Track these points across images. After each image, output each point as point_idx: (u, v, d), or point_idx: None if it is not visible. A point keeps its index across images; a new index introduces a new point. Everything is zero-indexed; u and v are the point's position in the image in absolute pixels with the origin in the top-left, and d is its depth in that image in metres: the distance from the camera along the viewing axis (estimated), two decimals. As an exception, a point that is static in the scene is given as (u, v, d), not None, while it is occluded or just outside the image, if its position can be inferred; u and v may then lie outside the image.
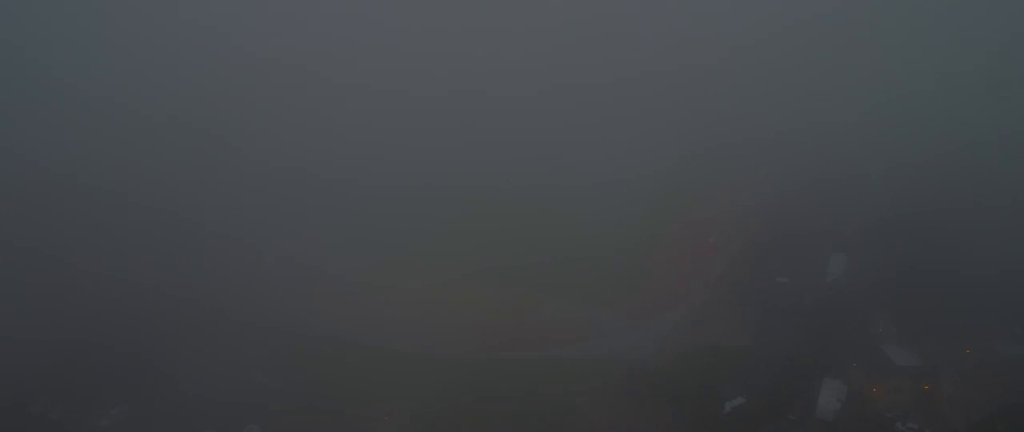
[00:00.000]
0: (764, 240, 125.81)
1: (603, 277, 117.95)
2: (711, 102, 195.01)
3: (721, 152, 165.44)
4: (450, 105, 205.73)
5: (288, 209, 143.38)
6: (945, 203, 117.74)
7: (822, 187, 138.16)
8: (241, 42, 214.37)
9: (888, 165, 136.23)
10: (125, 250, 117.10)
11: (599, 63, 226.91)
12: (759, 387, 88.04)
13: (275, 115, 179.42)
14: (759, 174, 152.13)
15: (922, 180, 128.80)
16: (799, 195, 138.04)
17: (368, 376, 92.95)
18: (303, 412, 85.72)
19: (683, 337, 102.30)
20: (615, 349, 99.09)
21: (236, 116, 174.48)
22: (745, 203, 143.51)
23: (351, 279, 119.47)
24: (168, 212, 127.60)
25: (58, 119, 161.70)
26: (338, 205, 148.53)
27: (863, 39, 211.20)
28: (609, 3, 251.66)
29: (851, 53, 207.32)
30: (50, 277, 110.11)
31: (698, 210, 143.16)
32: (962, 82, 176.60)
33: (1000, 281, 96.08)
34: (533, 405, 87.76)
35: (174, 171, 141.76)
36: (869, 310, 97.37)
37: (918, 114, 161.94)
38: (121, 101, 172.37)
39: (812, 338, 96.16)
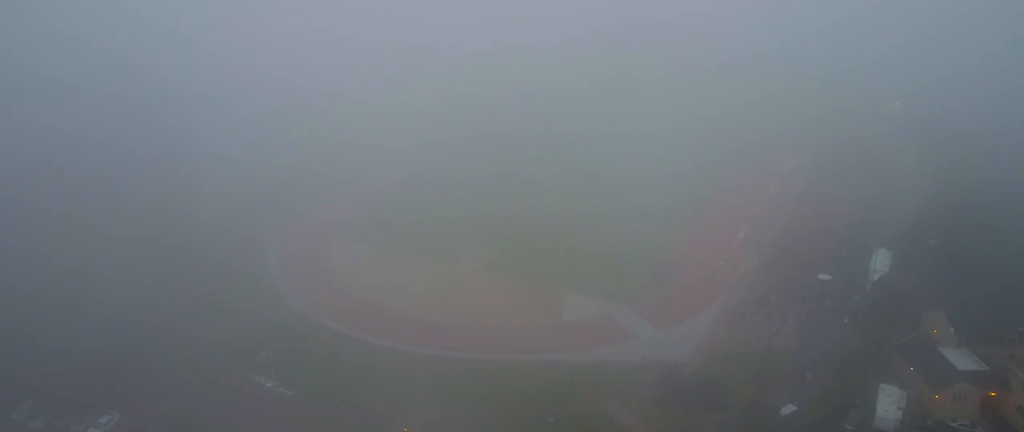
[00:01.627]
0: (798, 235, 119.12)
1: (629, 274, 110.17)
2: (743, 94, 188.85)
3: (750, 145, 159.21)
4: (471, 96, 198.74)
5: (294, 200, 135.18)
6: (1003, 193, 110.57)
7: (860, 177, 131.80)
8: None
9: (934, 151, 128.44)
10: (116, 248, 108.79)
11: (631, 57, 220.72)
12: (810, 394, 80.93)
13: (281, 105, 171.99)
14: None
15: (976, 168, 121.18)
16: (833, 186, 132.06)
17: (383, 381, 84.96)
18: (314, 421, 77.98)
19: (719, 339, 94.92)
20: (646, 351, 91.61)
21: (237, 105, 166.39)
22: (776, 196, 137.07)
23: (360, 274, 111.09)
24: (163, 206, 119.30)
25: (43, 114, 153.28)
26: (348, 196, 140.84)
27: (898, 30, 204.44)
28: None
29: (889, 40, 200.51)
30: (33, 276, 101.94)
31: (727, 204, 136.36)
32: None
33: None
34: (561, 411, 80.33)
35: (169, 162, 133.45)
36: (922, 310, 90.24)
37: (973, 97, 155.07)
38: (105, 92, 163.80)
39: (863, 340, 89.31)
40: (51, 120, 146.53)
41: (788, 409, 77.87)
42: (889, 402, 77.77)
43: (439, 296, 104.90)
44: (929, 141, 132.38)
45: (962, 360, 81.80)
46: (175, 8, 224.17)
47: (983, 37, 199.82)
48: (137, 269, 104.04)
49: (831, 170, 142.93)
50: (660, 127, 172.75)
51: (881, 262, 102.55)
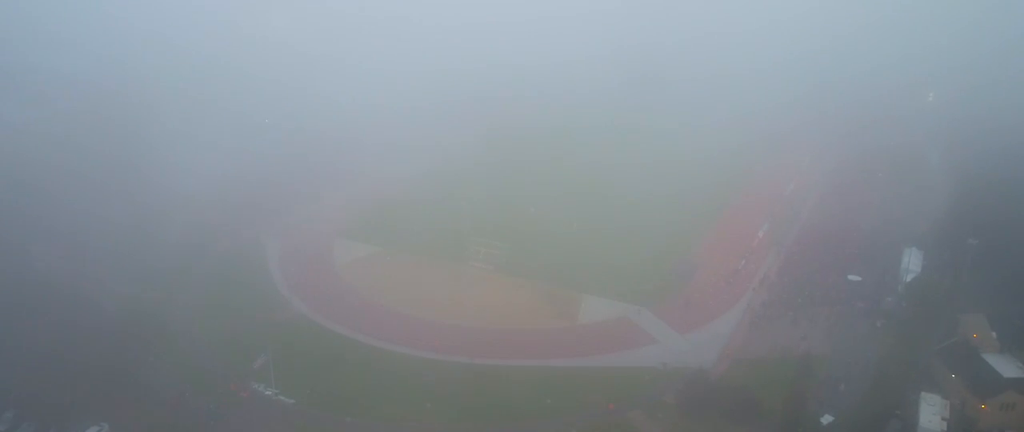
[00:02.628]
0: (823, 233, 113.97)
1: (646, 274, 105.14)
2: (763, 84, 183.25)
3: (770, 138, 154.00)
4: (482, 89, 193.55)
5: (296, 196, 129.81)
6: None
7: (888, 172, 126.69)
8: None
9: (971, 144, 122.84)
10: (107, 248, 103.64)
11: (649, 50, 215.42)
12: (847, 402, 75.83)
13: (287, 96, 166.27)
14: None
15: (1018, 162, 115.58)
16: (859, 181, 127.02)
17: (390, 388, 79.94)
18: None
19: (744, 343, 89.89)
20: (667, 356, 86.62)
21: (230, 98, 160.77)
22: (797, 192, 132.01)
23: (365, 275, 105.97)
24: (156, 204, 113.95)
25: (31, 108, 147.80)
26: (352, 193, 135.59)
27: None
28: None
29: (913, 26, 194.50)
30: (19, 278, 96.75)
31: (746, 200, 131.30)
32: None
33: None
34: (581, 421, 75.36)
35: (163, 157, 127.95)
36: (960, 313, 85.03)
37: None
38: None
39: (899, 345, 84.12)
40: (39, 114, 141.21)
41: (826, 419, 72.78)
42: (932, 412, 72.68)
43: (447, 298, 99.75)
44: (965, 134, 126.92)
45: (1007, 366, 76.58)
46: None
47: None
48: (129, 270, 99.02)
49: (857, 164, 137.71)
50: (676, 121, 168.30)
51: (912, 262, 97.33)
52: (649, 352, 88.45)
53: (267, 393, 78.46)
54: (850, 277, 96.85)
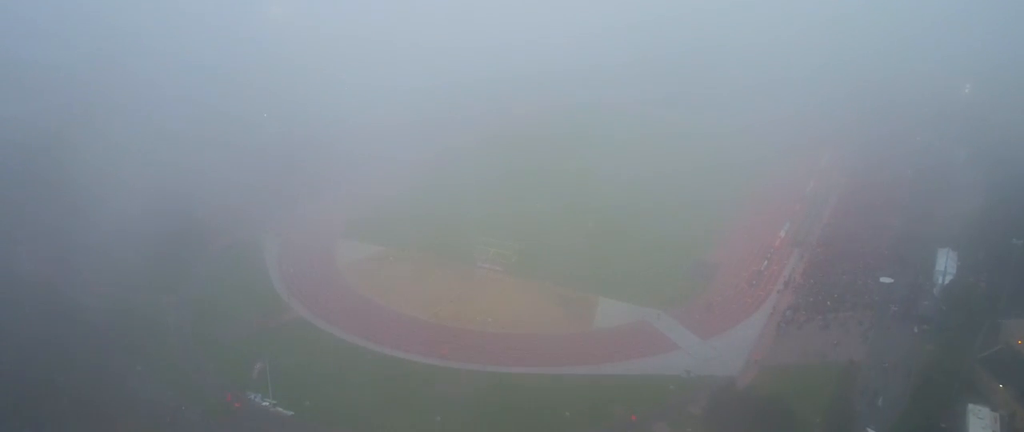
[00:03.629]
0: (849, 232, 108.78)
1: (664, 275, 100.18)
2: (783, 73, 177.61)
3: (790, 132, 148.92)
4: (491, 82, 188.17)
5: (296, 193, 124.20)
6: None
7: (918, 169, 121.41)
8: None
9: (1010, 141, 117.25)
10: (93, 245, 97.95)
11: (664, 41, 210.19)
12: (889, 415, 70.49)
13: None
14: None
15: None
16: (886, 178, 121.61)
17: (396, 398, 74.70)
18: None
19: (772, 349, 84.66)
20: (690, 363, 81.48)
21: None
22: (821, 188, 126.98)
23: (368, 276, 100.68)
24: (146, 200, 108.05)
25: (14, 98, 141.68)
26: (355, 190, 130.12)
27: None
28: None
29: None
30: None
31: (765, 196, 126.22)
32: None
33: None
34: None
35: (154, 150, 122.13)
36: (1001, 318, 79.69)
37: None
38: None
39: (939, 353, 78.69)
40: (23, 108, 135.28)
41: (867, 433, 67.57)
42: (981, 425, 67.27)
43: (455, 301, 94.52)
44: (1003, 128, 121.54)
45: (1058, 376, 71.41)
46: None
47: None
48: (117, 270, 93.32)
49: (883, 160, 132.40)
50: (692, 118, 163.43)
51: (947, 264, 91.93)
52: (671, 359, 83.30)
53: (263, 404, 73.10)
54: (882, 279, 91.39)
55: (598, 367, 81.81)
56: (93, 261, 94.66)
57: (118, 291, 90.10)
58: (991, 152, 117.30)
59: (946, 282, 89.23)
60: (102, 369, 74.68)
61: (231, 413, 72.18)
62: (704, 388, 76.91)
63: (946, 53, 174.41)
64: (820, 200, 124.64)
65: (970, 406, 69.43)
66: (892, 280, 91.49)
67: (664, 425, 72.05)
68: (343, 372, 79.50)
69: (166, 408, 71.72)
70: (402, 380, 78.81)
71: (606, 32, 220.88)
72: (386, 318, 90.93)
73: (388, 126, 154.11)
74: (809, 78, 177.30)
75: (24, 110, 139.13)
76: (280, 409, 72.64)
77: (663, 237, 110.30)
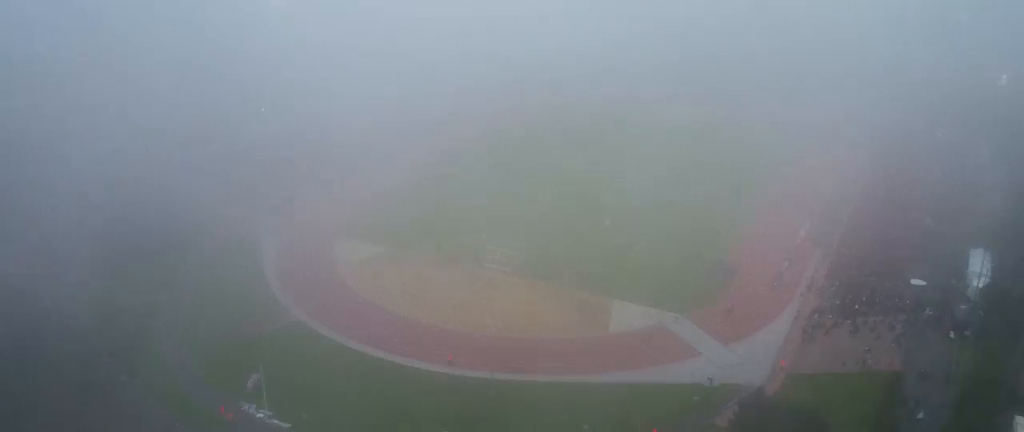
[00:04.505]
0: (873, 231, 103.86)
1: (681, 277, 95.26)
2: (802, 66, 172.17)
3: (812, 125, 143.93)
4: (499, 74, 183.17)
5: (295, 191, 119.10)
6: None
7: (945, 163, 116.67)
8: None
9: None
10: (80, 246, 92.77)
11: (679, 31, 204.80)
12: (931, 427, 65.61)
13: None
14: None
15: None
16: (913, 175, 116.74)
17: (401, 409, 69.73)
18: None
19: (799, 356, 79.71)
20: (713, 370, 76.58)
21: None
22: (838, 187, 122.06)
23: (370, 278, 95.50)
24: (137, 198, 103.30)
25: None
26: (356, 187, 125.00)
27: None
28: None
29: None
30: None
31: (783, 196, 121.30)
32: None
33: None
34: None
35: (145, 146, 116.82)
36: (1043, 323, 74.95)
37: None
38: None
39: (980, 360, 73.82)
40: (8, 100, 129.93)
41: (911, 449, 62.70)
42: (1032, 439, 62.56)
43: (462, 304, 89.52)
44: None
45: (1110, 386, 66.65)
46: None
47: None
48: (102, 272, 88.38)
49: (908, 156, 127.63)
50: (706, 113, 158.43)
51: (982, 265, 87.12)
52: (692, 366, 78.36)
53: (258, 416, 68.10)
54: (914, 281, 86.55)
55: (614, 375, 76.93)
56: (77, 261, 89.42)
57: (104, 294, 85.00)
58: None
59: (981, 285, 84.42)
60: (83, 378, 69.43)
61: (224, 426, 67.13)
62: (729, 398, 72.05)
63: (981, 41, 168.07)
64: (839, 198, 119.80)
65: (1018, 418, 64.75)
66: (924, 282, 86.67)
67: (689, 438, 67.23)
68: (343, 381, 74.47)
69: (154, 421, 66.72)
70: (405, 389, 73.84)
71: (618, 26, 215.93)
72: (388, 322, 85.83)
73: (391, 121, 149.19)
74: (827, 71, 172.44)
75: (9, 104, 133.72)
76: (276, 421, 67.69)
77: (678, 237, 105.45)
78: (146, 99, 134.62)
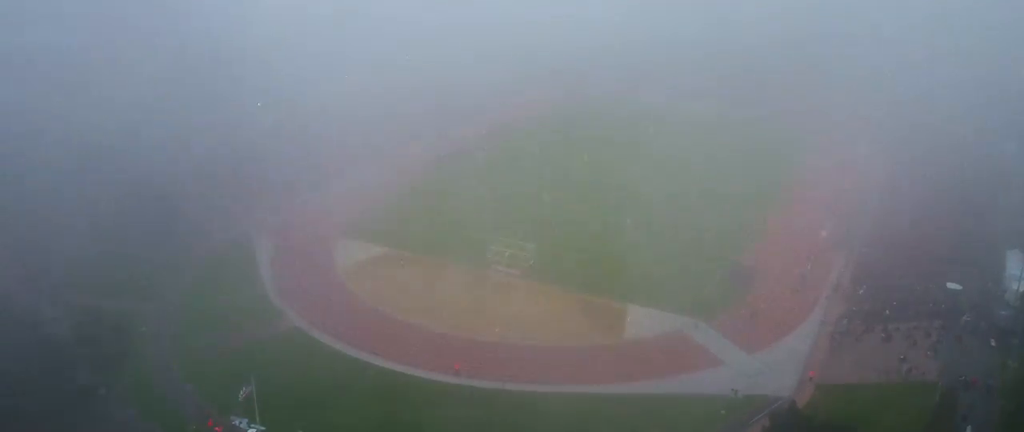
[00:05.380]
0: (901, 231, 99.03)
1: (699, 280, 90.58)
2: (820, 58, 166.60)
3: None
4: (507, 64, 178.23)
5: (292, 189, 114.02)
6: None
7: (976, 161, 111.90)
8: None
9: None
10: (62, 246, 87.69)
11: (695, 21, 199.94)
12: (979, 445, 60.63)
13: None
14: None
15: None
16: (937, 172, 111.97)
17: (405, 423, 64.96)
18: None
19: (829, 364, 74.90)
20: (737, 380, 71.65)
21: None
22: (860, 184, 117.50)
23: (372, 281, 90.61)
24: (123, 195, 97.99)
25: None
26: (357, 185, 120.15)
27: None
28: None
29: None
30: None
31: (801, 194, 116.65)
32: None
33: None
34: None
35: (133, 142, 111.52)
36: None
37: None
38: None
39: (1026, 369, 68.84)
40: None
41: (960, 468, 57.68)
42: (1090, 457, 57.59)
43: (469, 309, 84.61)
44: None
45: None
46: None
47: None
48: (86, 275, 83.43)
49: (935, 152, 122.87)
50: (721, 108, 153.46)
51: (1021, 268, 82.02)
52: (715, 376, 73.40)
53: (249, 431, 63.11)
54: (949, 285, 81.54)
55: (632, 385, 72.00)
56: (58, 265, 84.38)
57: (87, 299, 79.89)
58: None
59: (1022, 289, 79.33)
60: (61, 390, 64.17)
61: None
62: (756, 410, 67.16)
63: (1017, 36, 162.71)
64: (862, 196, 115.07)
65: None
66: (960, 286, 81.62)
67: (716, 454, 62.33)
68: (342, 391, 69.60)
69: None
70: (409, 400, 68.92)
71: (630, 19, 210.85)
72: (391, 328, 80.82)
73: (395, 116, 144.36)
74: (847, 63, 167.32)
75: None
76: (269, 436, 62.76)
77: (695, 237, 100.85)
78: (134, 91, 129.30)
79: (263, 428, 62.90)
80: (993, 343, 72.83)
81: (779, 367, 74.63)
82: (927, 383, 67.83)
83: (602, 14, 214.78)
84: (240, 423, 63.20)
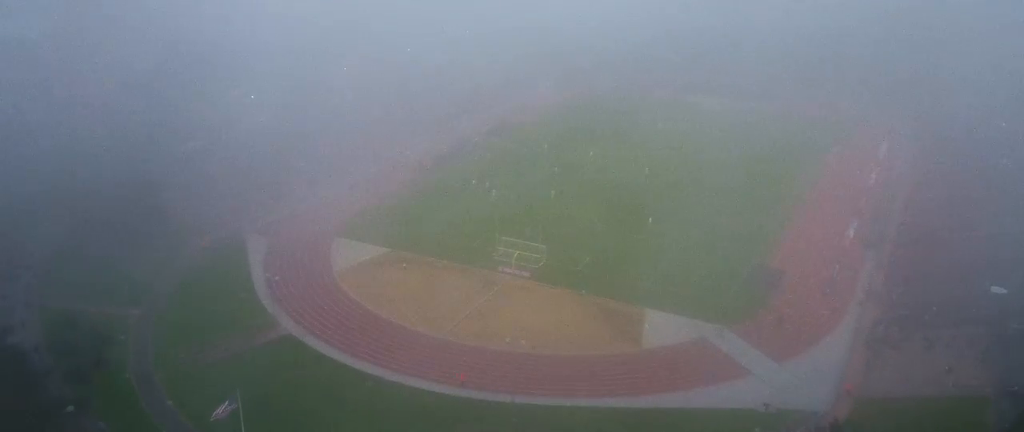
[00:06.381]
0: (929, 232, 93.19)
1: (721, 283, 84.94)
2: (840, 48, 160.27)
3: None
4: (513, 57, 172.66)
5: (285, 185, 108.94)
6: None
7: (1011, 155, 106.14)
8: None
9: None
10: (32, 254, 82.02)
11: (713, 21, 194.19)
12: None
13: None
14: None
15: None
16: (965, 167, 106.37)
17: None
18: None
19: (866, 376, 68.90)
20: (768, 393, 65.88)
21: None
22: (882, 180, 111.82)
23: (369, 283, 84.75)
24: (105, 192, 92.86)
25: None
26: (354, 180, 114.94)
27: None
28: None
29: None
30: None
31: (823, 191, 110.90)
32: None
33: None
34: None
35: (115, 135, 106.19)
36: None
37: None
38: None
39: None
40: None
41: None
42: None
43: (475, 315, 78.90)
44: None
45: None
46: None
47: None
48: (64, 278, 77.77)
49: (966, 146, 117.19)
50: (734, 102, 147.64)
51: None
52: (743, 388, 67.52)
53: (235, 451, 57.50)
54: (994, 289, 75.57)
55: (653, 398, 66.23)
56: (32, 264, 78.65)
57: (61, 302, 74.22)
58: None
59: (1073, 293, 73.31)
60: (18, 410, 57.96)
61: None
62: (794, 429, 61.21)
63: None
64: (889, 194, 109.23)
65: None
66: (1005, 290, 75.64)
67: (747, 477, 56.46)
68: (338, 404, 63.98)
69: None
70: (410, 414, 63.33)
71: (638, 11, 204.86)
72: (390, 335, 75.24)
73: (395, 110, 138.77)
74: (869, 51, 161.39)
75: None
76: (256, 456, 57.01)
77: (713, 237, 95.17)
78: (119, 81, 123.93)
79: (249, 446, 57.19)
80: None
81: (812, 378, 68.69)
82: (978, 397, 62.01)
83: (615, 3, 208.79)
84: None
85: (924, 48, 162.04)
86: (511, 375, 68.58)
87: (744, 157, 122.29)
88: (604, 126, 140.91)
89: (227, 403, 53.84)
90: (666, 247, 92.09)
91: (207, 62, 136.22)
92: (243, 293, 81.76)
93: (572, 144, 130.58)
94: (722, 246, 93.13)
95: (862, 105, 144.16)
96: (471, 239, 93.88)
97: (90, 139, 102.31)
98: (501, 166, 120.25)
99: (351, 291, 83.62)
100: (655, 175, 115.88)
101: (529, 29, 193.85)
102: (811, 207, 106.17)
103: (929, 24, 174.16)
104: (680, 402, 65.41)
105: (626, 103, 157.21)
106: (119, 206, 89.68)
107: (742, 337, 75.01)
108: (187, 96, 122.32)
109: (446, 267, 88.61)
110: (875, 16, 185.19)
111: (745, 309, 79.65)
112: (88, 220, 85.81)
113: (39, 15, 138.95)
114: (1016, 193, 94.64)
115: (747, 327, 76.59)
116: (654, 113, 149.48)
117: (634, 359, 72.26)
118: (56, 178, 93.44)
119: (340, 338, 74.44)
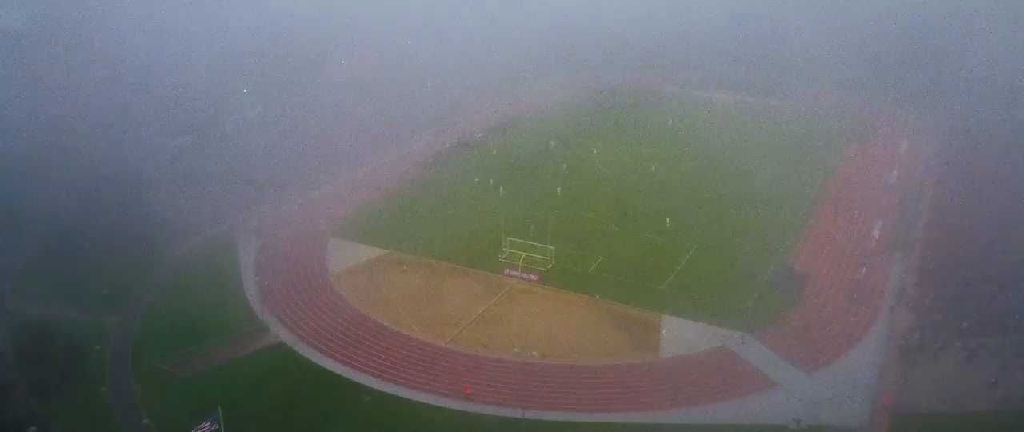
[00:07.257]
0: (959, 233, 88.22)
1: (741, 287, 79.93)
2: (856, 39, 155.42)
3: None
4: (517, 48, 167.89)
5: (279, 183, 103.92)
6: None
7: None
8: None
9: None
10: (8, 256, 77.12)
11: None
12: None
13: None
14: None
15: None
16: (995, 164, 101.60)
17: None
18: None
19: (903, 388, 63.68)
20: (797, 407, 60.86)
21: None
22: (904, 179, 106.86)
23: (367, 287, 79.23)
24: (89, 190, 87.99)
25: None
26: (351, 178, 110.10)
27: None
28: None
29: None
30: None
31: (844, 189, 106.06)
32: None
33: None
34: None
35: (101, 132, 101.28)
36: None
37: None
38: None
39: None
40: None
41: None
42: None
43: (481, 322, 73.84)
44: None
45: None
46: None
47: None
48: (41, 281, 72.66)
49: (995, 142, 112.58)
50: (748, 98, 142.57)
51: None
52: (769, 401, 62.45)
53: (218, 474, 52.37)
54: (1037, 295, 70.55)
55: (672, 413, 61.20)
56: (2, 269, 73.52)
57: (32, 309, 69.07)
58: None
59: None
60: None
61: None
62: (830, 447, 56.27)
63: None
64: (913, 192, 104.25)
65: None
66: (1050, 295, 70.60)
67: (781, 503, 51.39)
68: (333, 420, 59.03)
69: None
70: (412, 430, 58.31)
71: (646, 3, 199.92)
72: (389, 343, 70.19)
73: (395, 104, 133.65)
74: (885, 43, 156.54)
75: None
76: (241, 480, 51.95)
77: (731, 238, 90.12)
78: (104, 77, 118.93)
79: (234, 469, 52.06)
80: (1100, 364, 61.81)
81: (845, 391, 63.53)
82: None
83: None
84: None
85: (946, 42, 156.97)
86: (521, 388, 63.56)
87: (758, 154, 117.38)
88: (612, 122, 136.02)
89: (208, 424, 48.63)
90: (681, 248, 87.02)
91: (199, 55, 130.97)
92: (232, 297, 76.62)
93: (579, 140, 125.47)
94: (740, 247, 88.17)
95: (881, 101, 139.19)
96: (475, 240, 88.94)
97: (70, 132, 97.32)
98: (505, 163, 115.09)
99: (347, 295, 78.52)
100: (666, 172, 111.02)
101: (533, 22, 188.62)
102: (832, 206, 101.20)
103: (952, 17, 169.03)
104: (705, 417, 60.35)
105: (635, 98, 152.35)
106: (100, 204, 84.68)
107: (767, 345, 69.93)
108: (176, 89, 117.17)
109: (448, 269, 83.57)
110: (894, 9, 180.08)
111: (768, 315, 74.61)
112: (66, 219, 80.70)
113: (19, 3, 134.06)
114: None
115: (772, 334, 71.57)
116: (664, 108, 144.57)
117: (652, 370, 67.19)
118: (32, 174, 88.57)
119: (335, 346, 69.47)
